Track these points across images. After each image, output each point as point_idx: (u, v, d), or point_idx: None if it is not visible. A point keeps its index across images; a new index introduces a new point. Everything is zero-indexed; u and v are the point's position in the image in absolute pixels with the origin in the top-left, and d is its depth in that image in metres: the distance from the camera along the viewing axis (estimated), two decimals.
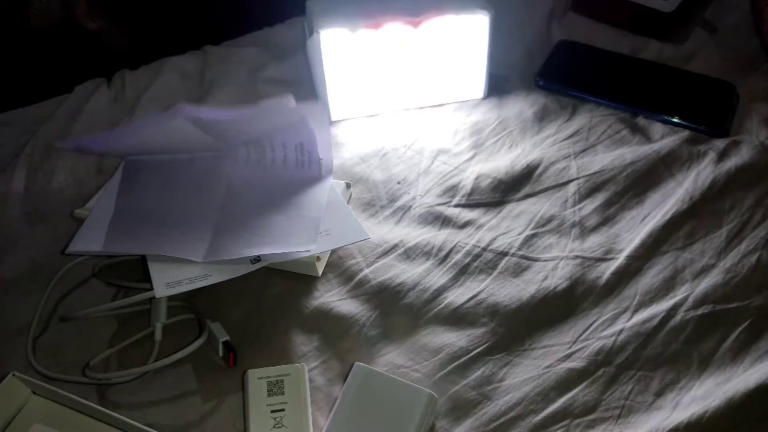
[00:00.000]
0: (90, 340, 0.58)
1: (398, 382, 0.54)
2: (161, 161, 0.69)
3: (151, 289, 0.57)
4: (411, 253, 0.64)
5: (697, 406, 0.52)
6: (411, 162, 0.72)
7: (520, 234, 0.65)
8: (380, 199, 0.69)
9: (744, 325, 0.57)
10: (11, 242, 0.66)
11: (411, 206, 0.68)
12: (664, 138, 0.72)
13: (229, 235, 0.59)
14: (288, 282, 0.62)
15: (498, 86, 0.79)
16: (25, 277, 0.63)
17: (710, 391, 0.53)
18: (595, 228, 0.65)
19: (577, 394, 0.54)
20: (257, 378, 0.54)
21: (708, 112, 0.73)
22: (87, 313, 0.57)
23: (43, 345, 0.58)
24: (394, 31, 0.70)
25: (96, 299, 0.61)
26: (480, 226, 0.66)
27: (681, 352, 0.56)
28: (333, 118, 0.76)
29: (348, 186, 0.68)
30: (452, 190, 0.69)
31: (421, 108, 0.78)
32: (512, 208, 0.67)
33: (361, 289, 0.61)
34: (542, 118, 0.76)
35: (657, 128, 0.73)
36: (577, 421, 0.53)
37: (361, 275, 0.62)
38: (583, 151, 0.72)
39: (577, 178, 0.69)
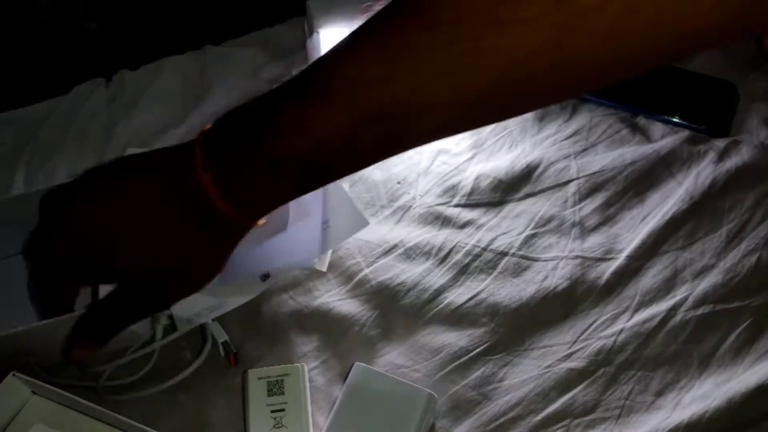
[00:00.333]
0: None
1: (398, 382, 0.54)
2: None
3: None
4: (411, 253, 0.64)
5: (697, 406, 0.52)
6: (411, 162, 0.72)
7: (520, 234, 0.65)
8: (380, 199, 0.69)
9: (744, 325, 0.57)
10: None
11: (411, 206, 0.68)
12: (664, 138, 0.72)
13: (236, 257, 0.59)
14: (288, 282, 0.62)
15: None
16: None
17: (710, 391, 0.53)
18: (595, 228, 0.65)
19: (577, 394, 0.54)
20: (257, 378, 0.54)
21: (708, 112, 0.73)
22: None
23: None
24: None
25: None
26: (480, 226, 0.66)
27: (681, 352, 0.56)
28: None
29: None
30: (452, 190, 0.69)
31: None
32: (512, 208, 0.67)
33: (361, 289, 0.61)
34: (542, 118, 0.76)
35: (657, 128, 0.73)
36: (577, 421, 0.53)
37: (361, 275, 0.62)
38: (583, 151, 0.72)
39: (577, 178, 0.69)
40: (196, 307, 0.58)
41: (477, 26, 0.32)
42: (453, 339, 0.58)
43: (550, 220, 0.66)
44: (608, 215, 0.66)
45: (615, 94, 0.76)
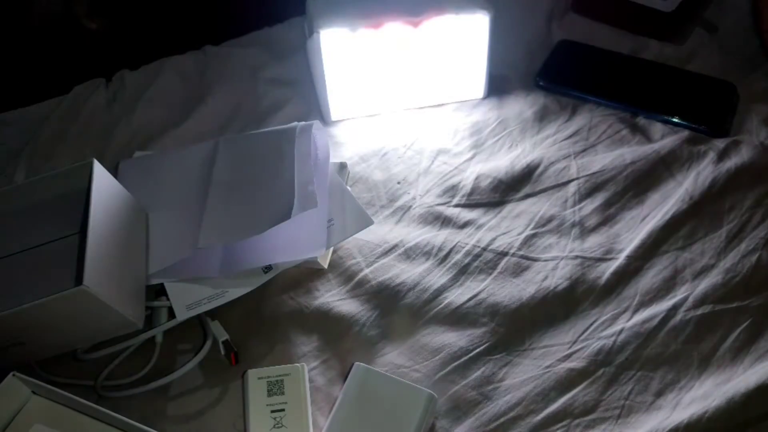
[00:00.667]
0: None
1: (398, 382, 0.54)
2: (159, 165, 0.69)
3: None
4: (411, 253, 0.64)
5: (697, 406, 0.52)
6: (411, 162, 0.72)
7: (520, 234, 0.65)
8: (380, 199, 0.69)
9: (744, 325, 0.57)
10: None
11: (411, 206, 0.68)
12: (664, 138, 0.72)
13: (239, 247, 0.59)
14: (288, 282, 0.62)
15: (498, 86, 0.79)
16: None
17: (710, 391, 0.53)
18: (595, 228, 0.65)
19: (577, 394, 0.54)
20: (257, 378, 0.54)
21: (708, 112, 0.73)
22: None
23: None
24: (394, 31, 0.69)
25: None
26: (480, 226, 0.66)
27: (681, 352, 0.56)
28: (333, 118, 0.76)
29: (343, 166, 0.67)
30: (452, 190, 0.69)
31: (421, 108, 0.78)
32: (512, 208, 0.67)
33: (361, 289, 0.61)
34: (542, 118, 0.76)
35: (657, 128, 0.73)
36: (577, 421, 0.53)
37: (361, 275, 0.62)
38: (583, 151, 0.72)
39: (577, 178, 0.69)
40: (196, 296, 0.58)
41: None
42: (453, 339, 0.58)
43: (550, 220, 0.66)
44: (608, 215, 0.66)
45: (615, 94, 0.76)
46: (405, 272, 0.62)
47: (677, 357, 0.56)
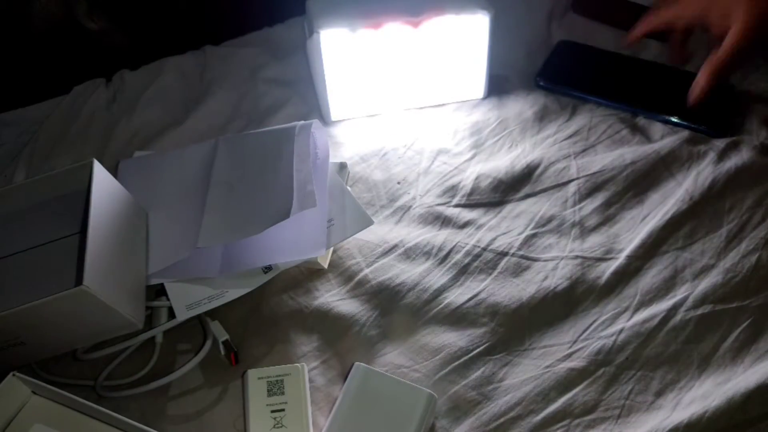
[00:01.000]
0: None
1: (398, 382, 0.54)
2: (159, 165, 0.69)
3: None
4: (411, 253, 0.64)
5: (697, 406, 0.52)
6: (411, 162, 0.72)
7: (520, 234, 0.65)
8: (380, 199, 0.69)
9: (744, 325, 0.57)
10: None
11: (411, 206, 0.68)
12: (664, 138, 0.72)
13: (239, 247, 0.59)
14: (288, 282, 0.62)
15: (498, 86, 0.79)
16: None
17: (710, 391, 0.53)
18: (595, 228, 0.65)
19: (577, 394, 0.54)
20: (257, 378, 0.54)
21: (708, 112, 0.72)
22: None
23: None
24: (394, 31, 0.69)
25: None
26: (480, 226, 0.66)
27: (681, 352, 0.56)
28: (333, 118, 0.76)
29: (343, 166, 0.67)
30: (452, 190, 0.69)
31: (421, 108, 0.78)
32: (512, 208, 0.67)
33: (361, 289, 0.61)
34: (542, 118, 0.76)
35: (657, 128, 0.73)
36: (577, 421, 0.53)
37: (361, 275, 0.62)
38: (583, 151, 0.72)
39: (577, 178, 0.69)
40: (196, 296, 0.58)
41: None
42: (453, 339, 0.58)
43: (550, 220, 0.66)
44: (608, 215, 0.66)
45: (615, 94, 0.76)
46: (405, 272, 0.62)
47: (677, 357, 0.56)
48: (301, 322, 0.59)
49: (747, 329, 0.57)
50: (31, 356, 0.55)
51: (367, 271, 0.62)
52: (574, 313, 0.59)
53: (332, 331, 0.59)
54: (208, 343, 0.57)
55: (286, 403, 0.53)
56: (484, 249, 0.64)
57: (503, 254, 0.63)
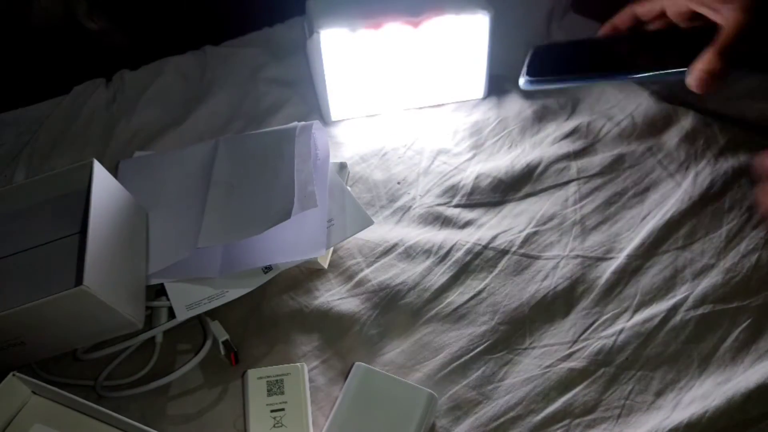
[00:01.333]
0: None
1: (398, 381, 0.54)
2: (159, 165, 0.69)
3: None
4: (411, 252, 0.64)
5: (697, 406, 0.52)
6: (411, 162, 0.72)
7: (521, 232, 0.65)
8: (380, 199, 0.69)
9: (744, 325, 0.57)
10: None
11: (411, 206, 0.68)
12: (664, 137, 0.72)
13: (239, 247, 0.59)
14: (288, 282, 0.62)
15: (498, 86, 0.79)
16: None
17: (710, 391, 0.53)
18: (595, 227, 0.65)
19: (577, 393, 0.54)
20: (257, 378, 0.54)
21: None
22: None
23: None
24: (394, 31, 0.70)
25: None
26: (480, 226, 0.66)
27: (681, 352, 0.56)
28: (333, 118, 0.76)
29: (343, 166, 0.67)
30: (452, 190, 0.69)
31: (421, 108, 0.78)
32: (512, 208, 0.67)
33: (361, 288, 0.61)
34: (542, 117, 0.76)
35: (657, 127, 0.73)
36: (577, 420, 0.53)
37: (361, 275, 0.62)
38: (583, 150, 0.72)
39: (578, 179, 0.69)
40: (196, 296, 0.58)
41: None
42: (453, 338, 0.58)
43: (551, 218, 0.66)
44: (608, 214, 0.66)
45: (601, 66, 0.65)
46: (405, 272, 0.62)
47: (677, 357, 0.56)
48: (301, 322, 0.59)
49: (747, 329, 0.57)
50: (31, 356, 0.55)
51: (367, 270, 0.62)
52: (574, 313, 0.59)
53: (332, 330, 0.59)
54: (208, 343, 0.57)
55: (286, 402, 0.53)
56: (485, 247, 0.64)
57: (504, 252, 0.63)
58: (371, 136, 0.75)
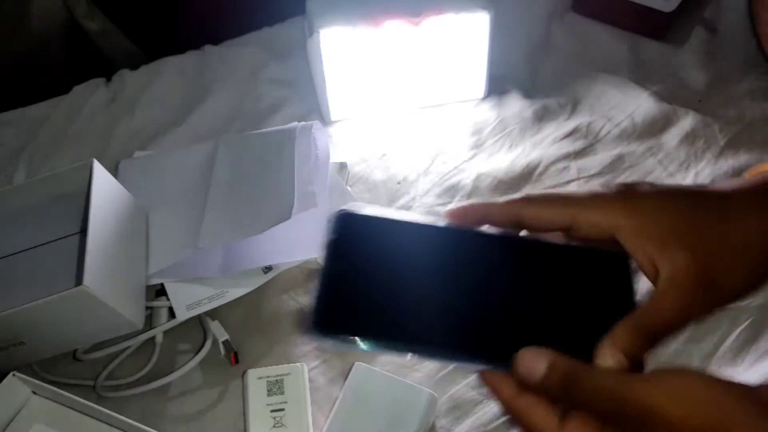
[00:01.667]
0: None
1: (399, 381, 0.54)
2: (159, 165, 0.69)
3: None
4: None
5: None
6: (411, 162, 0.72)
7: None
8: (380, 199, 0.69)
9: (744, 325, 0.57)
10: None
11: (411, 206, 0.68)
12: (663, 137, 0.72)
13: (239, 247, 0.59)
14: (288, 282, 0.62)
15: (498, 86, 0.79)
16: None
17: None
18: None
19: None
20: (257, 378, 0.54)
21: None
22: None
23: None
24: (394, 30, 0.69)
25: None
26: None
27: (681, 352, 0.56)
28: (333, 118, 0.76)
29: (343, 166, 0.67)
30: (452, 190, 0.69)
31: (422, 108, 0.78)
32: None
33: None
34: (542, 117, 0.76)
35: (657, 127, 0.73)
36: None
37: None
38: (583, 150, 0.72)
39: (578, 179, 0.69)
40: (196, 296, 0.58)
41: None
42: None
43: None
44: None
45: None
46: None
47: (678, 357, 0.56)
48: (301, 321, 0.59)
49: (747, 329, 0.57)
50: (31, 356, 0.55)
51: None
52: None
53: None
54: (208, 343, 0.57)
55: (286, 402, 0.53)
56: None
57: None
58: (371, 136, 0.75)
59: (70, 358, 0.57)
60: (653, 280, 0.32)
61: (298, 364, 0.55)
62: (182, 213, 0.63)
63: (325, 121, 0.76)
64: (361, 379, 0.54)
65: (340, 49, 0.70)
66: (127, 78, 0.81)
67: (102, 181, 0.57)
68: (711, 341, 0.57)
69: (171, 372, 0.55)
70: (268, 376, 0.54)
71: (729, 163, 0.68)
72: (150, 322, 0.58)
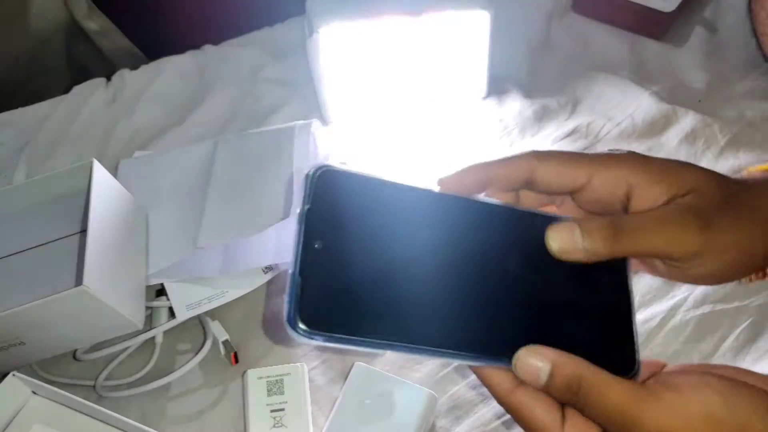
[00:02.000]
0: None
1: (399, 381, 0.54)
2: (159, 165, 0.69)
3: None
4: None
5: None
6: (411, 162, 0.72)
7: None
8: None
9: (744, 325, 0.57)
10: None
11: None
12: (663, 136, 0.72)
13: (239, 247, 0.59)
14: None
15: (498, 86, 0.79)
16: None
17: None
18: None
19: None
20: (257, 378, 0.54)
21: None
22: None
23: None
24: (395, 30, 0.69)
25: None
26: None
27: (681, 352, 0.56)
28: (333, 118, 0.76)
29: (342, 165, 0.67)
30: None
31: (421, 107, 0.78)
32: None
33: None
34: (542, 117, 0.76)
35: (657, 126, 0.73)
36: None
37: None
38: (583, 150, 0.72)
39: None
40: (196, 296, 0.58)
41: None
42: None
43: None
44: None
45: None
46: None
47: (677, 357, 0.56)
48: None
49: (747, 329, 0.57)
50: (31, 356, 0.55)
51: None
52: None
53: None
54: (208, 343, 0.57)
55: (286, 402, 0.53)
56: None
57: None
58: (371, 135, 0.75)
59: (70, 358, 0.57)
60: None
61: (298, 364, 0.55)
62: (182, 213, 0.63)
63: (325, 121, 0.76)
64: (361, 379, 0.54)
65: (340, 49, 0.70)
66: (127, 78, 0.81)
67: (102, 181, 0.57)
68: (711, 341, 0.57)
69: (171, 372, 0.55)
70: (268, 376, 0.54)
71: (729, 163, 0.68)
72: (150, 322, 0.58)
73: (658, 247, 0.31)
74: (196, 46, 0.85)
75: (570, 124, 0.74)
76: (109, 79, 0.82)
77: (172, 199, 0.65)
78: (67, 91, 0.80)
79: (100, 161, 0.58)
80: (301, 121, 0.65)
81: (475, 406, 0.54)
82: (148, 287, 0.59)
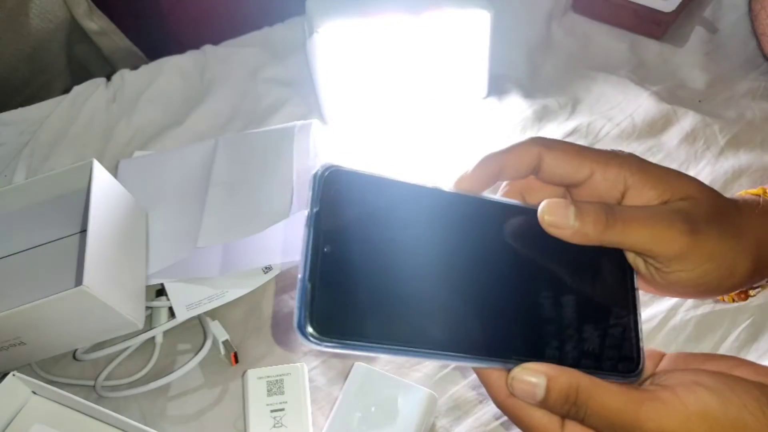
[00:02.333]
0: None
1: (399, 381, 0.54)
2: (159, 165, 0.69)
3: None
4: None
5: None
6: (411, 162, 0.72)
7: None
8: None
9: (744, 325, 0.57)
10: None
11: None
12: (663, 136, 0.72)
13: (239, 247, 0.59)
14: (288, 282, 0.62)
15: (498, 86, 0.79)
16: None
17: None
18: None
19: None
20: (257, 378, 0.54)
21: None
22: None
23: None
24: (395, 30, 0.69)
25: None
26: None
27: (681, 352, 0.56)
28: (332, 118, 0.76)
29: None
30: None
31: (421, 108, 0.78)
32: None
33: None
34: (542, 117, 0.76)
35: (656, 126, 0.73)
36: None
37: None
38: None
39: None
40: (196, 296, 0.58)
41: None
42: None
43: None
44: None
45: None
46: None
47: None
48: None
49: (747, 329, 0.57)
50: (31, 356, 0.55)
51: None
52: None
53: None
54: (208, 343, 0.57)
55: (286, 402, 0.53)
56: None
57: None
58: (371, 135, 0.75)
59: (70, 358, 0.57)
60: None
61: (298, 364, 0.55)
62: (182, 212, 0.63)
63: (325, 121, 0.76)
64: (361, 379, 0.54)
65: (339, 49, 0.70)
66: (127, 78, 0.81)
67: (102, 181, 0.57)
68: (711, 341, 0.57)
69: (171, 372, 0.55)
70: (268, 376, 0.54)
71: (729, 163, 0.68)
72: (150, 322, 0.58)
73: (644, 240, 0.31)
74: (196, 46, 0.85)
75: (570, 124, 0.74)
76: (109, 79, 0.82)
77: (172, 199, 0.65)
78: (67, 91, 0.80)
79: (100, 161, 0.58)
80: (301, 121, 0.65)
81: (475, 406, 0.54)
82: (148, 287, 0.59)
